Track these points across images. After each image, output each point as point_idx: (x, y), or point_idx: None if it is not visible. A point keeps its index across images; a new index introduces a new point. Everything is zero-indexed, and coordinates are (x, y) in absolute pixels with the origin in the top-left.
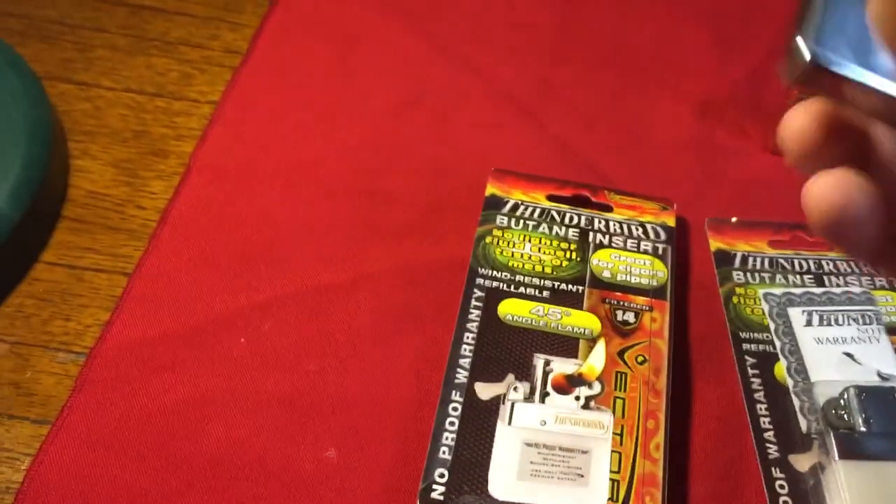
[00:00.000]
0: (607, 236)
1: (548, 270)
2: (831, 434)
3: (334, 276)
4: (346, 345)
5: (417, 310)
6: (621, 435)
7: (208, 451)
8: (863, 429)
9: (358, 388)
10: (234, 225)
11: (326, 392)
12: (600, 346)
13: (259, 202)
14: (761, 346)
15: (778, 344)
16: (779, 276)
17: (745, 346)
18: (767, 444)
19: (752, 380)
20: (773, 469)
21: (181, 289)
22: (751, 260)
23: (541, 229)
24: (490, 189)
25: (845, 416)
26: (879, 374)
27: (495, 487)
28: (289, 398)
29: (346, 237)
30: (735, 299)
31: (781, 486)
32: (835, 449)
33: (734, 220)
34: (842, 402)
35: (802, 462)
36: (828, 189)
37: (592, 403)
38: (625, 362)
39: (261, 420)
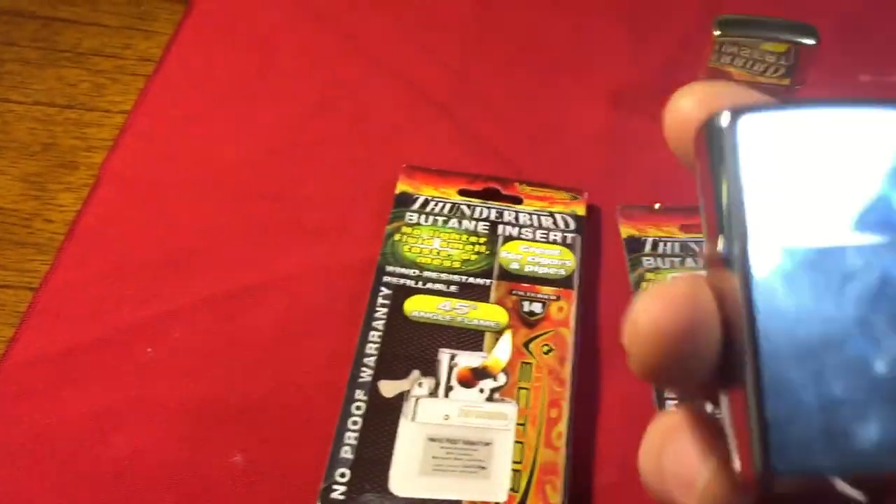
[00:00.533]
0: (517, 228)
1: (456, 265)
2: None
3: (244, 281)
4: (255, 349)
5: (328, 311)
6: (524, 425)
7: (113, 463)
8: None
9: (266, 391)
10: (143, 235)
11: (234, 397)
12: (506, 338)
13: (170, 210)
14: None
15: None
16: (689, 260)
17: None
18: None
19: None
20: None
21: (88, 301)
22: (661, 245)
23: (450, 224)
24: (400, 186)
25: None
26: None
27: (396, 484)
28: (196, 405)
29: (256, 242)
30: (644, 285)
31: None
32: None
33: (657, 206)
34: None
35: None
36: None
37: (497, 395)
38: (530, 353)
39: (167, 429)
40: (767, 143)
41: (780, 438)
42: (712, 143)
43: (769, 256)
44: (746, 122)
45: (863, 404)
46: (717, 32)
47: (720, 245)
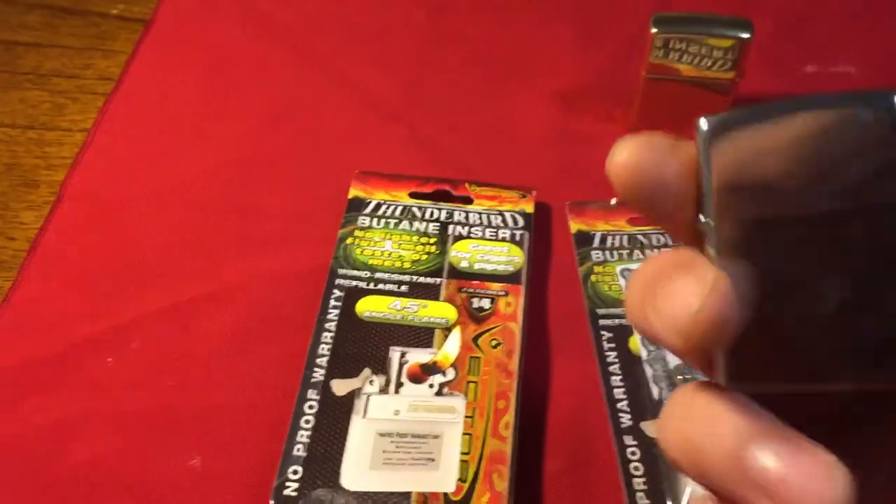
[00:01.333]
0: (466, 227)
1: (407, 266)
2: None
3: (201, 291)
4: (212, 356)
5: (282, 316)
6: (473, 417)
7: (73, 472)
8: None
9: (223, 396)
10: (103, 249)
11: (192, 403)
12: (455, 334)
13: (128, 225)
14: (617, 321)
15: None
16: (636, 252)
17: (602, 321)
18: (620, 414)
19: (608, 353)
20: (624, 437)
21: (49, 315)
22: (609, 238)
23: (402, 226)
24: (353, 192)
25: (691, 378)
26: None
27: (347, 479)
28: (154, 413)
29: (213, 252)
30: (593, 278)
31: (633, 453)
32: None
33: (613, 201)
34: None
35: (654, 428)
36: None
37: (446, 389)
38: (479, 347)
39: (126, 437)
40: (733, 138)
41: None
42: (697, 142)
43: (732, 226)
44: (716, 123)
45: (814, 333)
46: (654, 30)
47: (700, 219)
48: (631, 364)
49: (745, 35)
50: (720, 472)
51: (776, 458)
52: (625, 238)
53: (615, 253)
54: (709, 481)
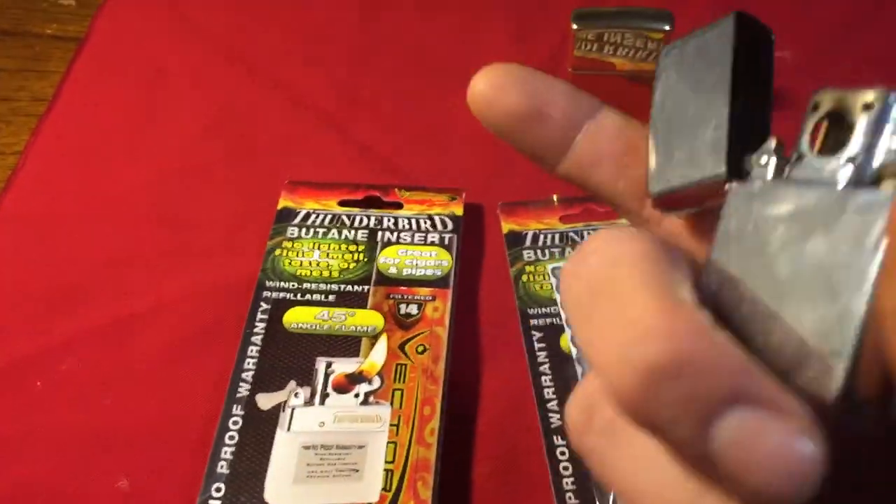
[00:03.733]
0: (395, 233)
1: (335, 275)
2: None
3: (134, 308)
4: (143, 374)
5: (214, 331)
6: (398, 425)
7: (2, 494)
8: None
9: (153, 415)
10: (34, 271)
11: (122, 423)
12: (381, 342)
13: (60, 245)
14: (548, 320)
15: (564, 315)
16: (568, 250)
17: (533, 321)
18: (550, 414)
19: (538, 353)
20: (553, 437)
21: None
22: (542, 237)
23: (330, 235)
24: (282, 202)
25: None
26: None
27: (271, 494)
28: (84, 434)
29: (146, 267)
30: (525, 277)
31: (562, 453)
32: None
33: (555, 197)
34: None
35: None
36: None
37: (371, 399)
38: (406, 354)
39: (56, 458)
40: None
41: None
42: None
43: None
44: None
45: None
46: (575, 26)
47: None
48: (562, 363)
49: (666, 27)
50: None
51: None
52: (556, 236)
53: (547, 251)
54: None
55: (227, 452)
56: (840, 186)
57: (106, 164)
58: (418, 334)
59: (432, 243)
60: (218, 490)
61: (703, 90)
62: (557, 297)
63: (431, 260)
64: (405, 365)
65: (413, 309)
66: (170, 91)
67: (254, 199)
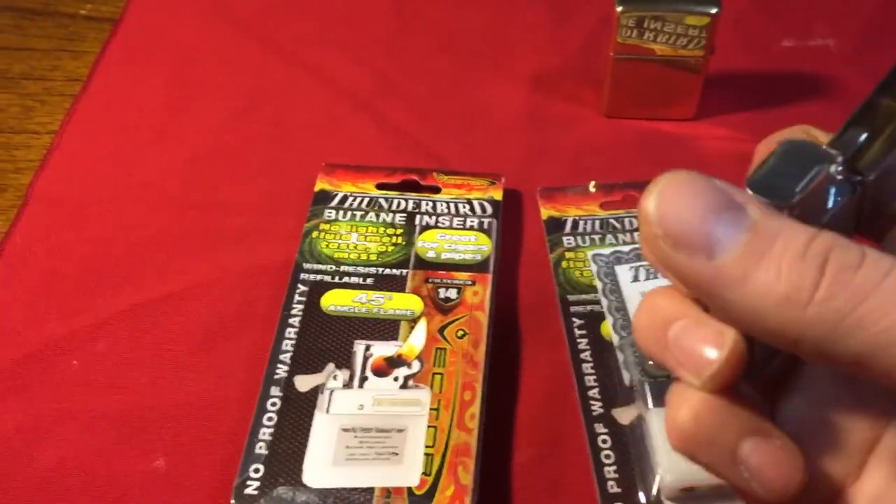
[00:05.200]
0: (434, 217)
1: (373, 258)
2: (646, 384)
3: (168, 289)
4: (178, 355)
5: (250, 313)
6: (438, 410)
7: (38, 475)
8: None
9: (188, 396)
10: (69, 251)
11: (157, 403)
12: (421, 326)
13: (94, 226)
14: (588, 307)
15: (605, 302)
16: (608, 237)
17: (573, 308)
18: (591, 402)
19: (579, 340)
20: (595, 425)
21: (15, 319)
22: (581, 224)
23: (368, 218)
24: (319, 184)
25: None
26: None
27: (310, 476)
28: (119, 414)
29: (181, 248)
30: (564, 264)
31: (604, 441)
32: (649, 397)
33: (592, 184)
34: None
35: (625, 415)
36: None
37: (411, 382)
38: (445, 338)
39: (90, 439)
40: None
41: None
42: None
43: None
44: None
45: None
46: (619, 9)
47: None
48: (602, 350)
49: (713, 10)
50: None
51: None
52: (597, 223)
53: (587, 238)
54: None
55: (265, 433)
56: None
57: (141, 144)
58: (458, 318)
59: (471, 228)
60: (256, 471)
61: None
62: (598, 283)
63: (471, 245)
64: (445, 349)
65: (452, 293)
66: (203, 73)
67: (288, 182)
